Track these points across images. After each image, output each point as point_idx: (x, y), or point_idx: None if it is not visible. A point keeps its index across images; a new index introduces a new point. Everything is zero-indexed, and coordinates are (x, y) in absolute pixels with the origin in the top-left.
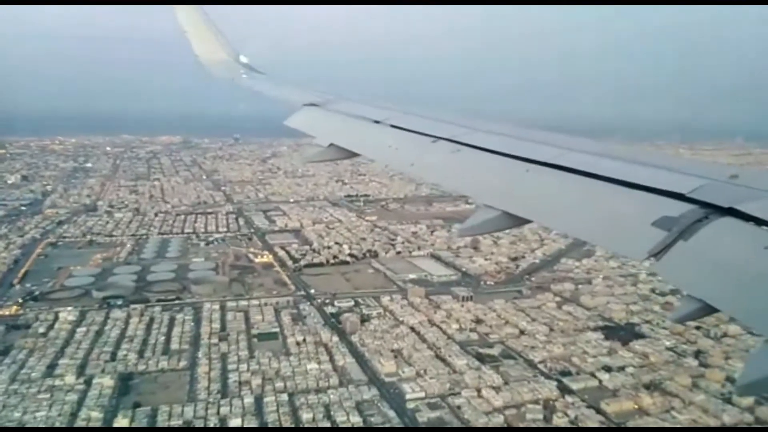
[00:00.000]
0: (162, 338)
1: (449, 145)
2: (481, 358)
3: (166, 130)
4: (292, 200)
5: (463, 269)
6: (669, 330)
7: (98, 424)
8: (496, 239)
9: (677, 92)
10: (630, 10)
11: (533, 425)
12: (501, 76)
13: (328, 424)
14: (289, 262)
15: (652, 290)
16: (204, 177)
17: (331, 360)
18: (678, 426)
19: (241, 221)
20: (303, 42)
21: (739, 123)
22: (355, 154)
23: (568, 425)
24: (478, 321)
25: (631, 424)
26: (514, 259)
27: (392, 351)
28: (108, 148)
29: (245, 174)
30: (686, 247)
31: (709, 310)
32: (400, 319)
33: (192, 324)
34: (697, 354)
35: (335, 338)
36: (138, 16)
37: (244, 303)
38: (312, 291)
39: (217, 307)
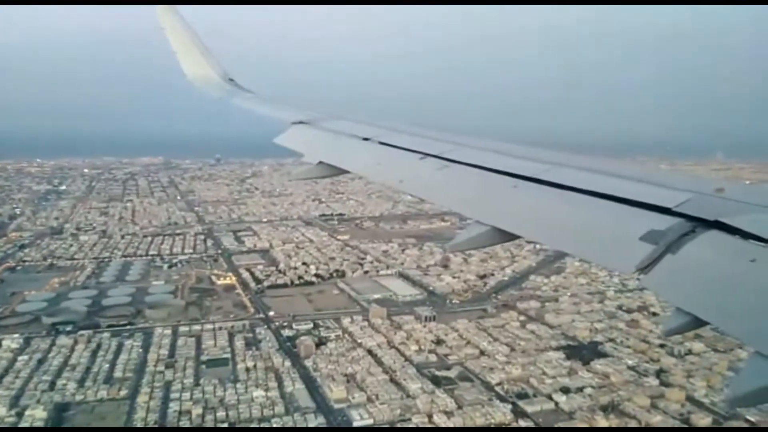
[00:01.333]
0: (106, 366)
1: (437, 162)
2: (437, 381)
3: (149, 152)
4: (265, 220)
5: (430, 288)
6: (632, 348)
7: None
8: (467, 257)
9: (658, 106)
10: (609, 17)
11: None
12: (471, 79)
13: None
14: (252, 284)
15: (619, 307)
16: (178, 198)
17: (280, 386)
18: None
19: (210, 242)
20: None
21: (720, 138)
22: (344, 171)
23: None
24: (439, 342)
25: None
26: (483, 276)
27: (345, 375)
28: (86, 170)
29: (221, 194)
30: (674, 261)
31: (698, 323)
32: (359, 341)
33: (140, 350)
34: (659, 373)
35: (288, 363)
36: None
37: (197, 328)
38: (271, 313)
39: (169, 332)
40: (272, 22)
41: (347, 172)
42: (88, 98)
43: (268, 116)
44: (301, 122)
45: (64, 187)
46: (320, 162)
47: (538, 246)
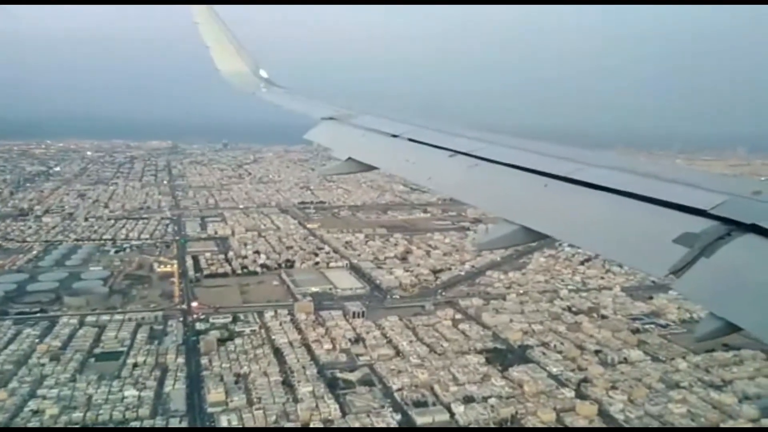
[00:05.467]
0: None
1: (467, 160)
2: (334, 385)
3: (160, 136)
4: (241, 206)
5: (377, 282)
6: (563, 354)
7: None
8: (430, 249)
9: (678, 100)
10: (625, 12)
11: None
12: (494, 77)
13: None
14: (192, 272)
15: (569, 308)
16: (165, 182)
17: (160, 386)
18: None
19: (172, 228)
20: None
21: (744, 133)
22: (373, 168)
23: None
24: (357, 340)
25: None
26: (438, 271)
27: (237, 375)
28: (89, 153)
29: (211, 179)
30: (708, 265)
31: (732, 328)
32: (272, 337)
33: (35, 340)
34: (581, 383)
35: (181, 360)
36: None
37: (106, 318)
38: (194, 305)
39: (75, 321)
40: (301, 21)
41: (376, 168)
42: (119, 86)
43: (297, 111)
44: (330, 118)
45: (57, 169)
46: (349, 158)
47: None
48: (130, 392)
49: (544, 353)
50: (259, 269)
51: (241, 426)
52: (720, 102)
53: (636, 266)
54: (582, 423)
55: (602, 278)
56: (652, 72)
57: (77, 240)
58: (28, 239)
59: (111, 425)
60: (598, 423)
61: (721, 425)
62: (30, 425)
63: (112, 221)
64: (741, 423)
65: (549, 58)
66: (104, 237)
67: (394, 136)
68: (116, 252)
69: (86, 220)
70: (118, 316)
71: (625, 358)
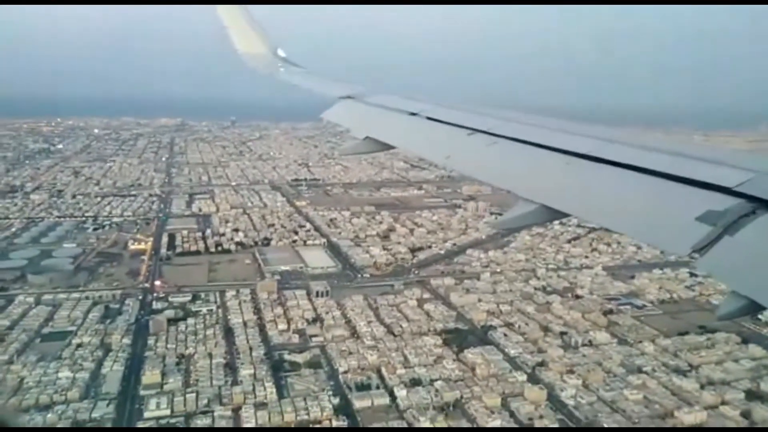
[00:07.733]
0: None
1: (486, 138)
2: (278, 367)
3: (176, 113)
4: (234, 183)
5: (351, 260)
6: (526, 336)
7: None
8: (414, 227)
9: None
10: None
11: None
12: (510, 64)
13: None
14: (165, 250)
15: (544, 288)
16: (164, 159)
17: (98, 367)
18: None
19: (158, 205)
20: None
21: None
22: (390, 147)
23: None
24: (315, 320)
25: None
26: (417, 249)
27: (181, 356)
28: (96, 130)
29: (210, 156)
30: (732, 243)
31: (755, 307)
32: (228, 317)
33: None
34: (536, 366)
35: (126, 340)
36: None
37: (63, 296)
38: (157, 283)
39: (31, 300)
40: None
41: (394, 147)
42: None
43: (315, 91)
44: (348, 97)
45: (60, 146)
46: (367, 137)
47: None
48: (65, 374)
49: (506, 335)
50: (233, 247)
51: (168, 416)
52: (743, 79)
53: (658, 244)
54: (529, 408)
55: (586, 257)
56: (671, 48)
57: (59, 217)
58: (11, 216)
59: (34, 409)
60: (546, 408)
61: (675, 413)
62: None
63: (99, 198)
64: (697, 410)
65: (568, 38)
66: (87, 214)
67: (413, 114)
68: (94, 229)
69: (74, 197)
70: (76, 295)
71: (590, 341)
